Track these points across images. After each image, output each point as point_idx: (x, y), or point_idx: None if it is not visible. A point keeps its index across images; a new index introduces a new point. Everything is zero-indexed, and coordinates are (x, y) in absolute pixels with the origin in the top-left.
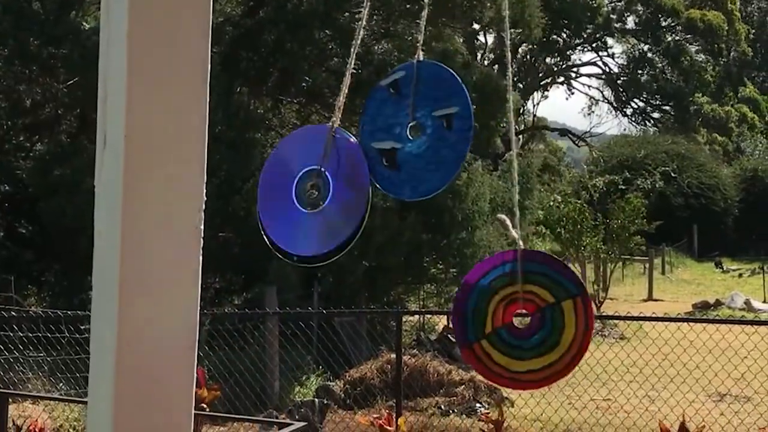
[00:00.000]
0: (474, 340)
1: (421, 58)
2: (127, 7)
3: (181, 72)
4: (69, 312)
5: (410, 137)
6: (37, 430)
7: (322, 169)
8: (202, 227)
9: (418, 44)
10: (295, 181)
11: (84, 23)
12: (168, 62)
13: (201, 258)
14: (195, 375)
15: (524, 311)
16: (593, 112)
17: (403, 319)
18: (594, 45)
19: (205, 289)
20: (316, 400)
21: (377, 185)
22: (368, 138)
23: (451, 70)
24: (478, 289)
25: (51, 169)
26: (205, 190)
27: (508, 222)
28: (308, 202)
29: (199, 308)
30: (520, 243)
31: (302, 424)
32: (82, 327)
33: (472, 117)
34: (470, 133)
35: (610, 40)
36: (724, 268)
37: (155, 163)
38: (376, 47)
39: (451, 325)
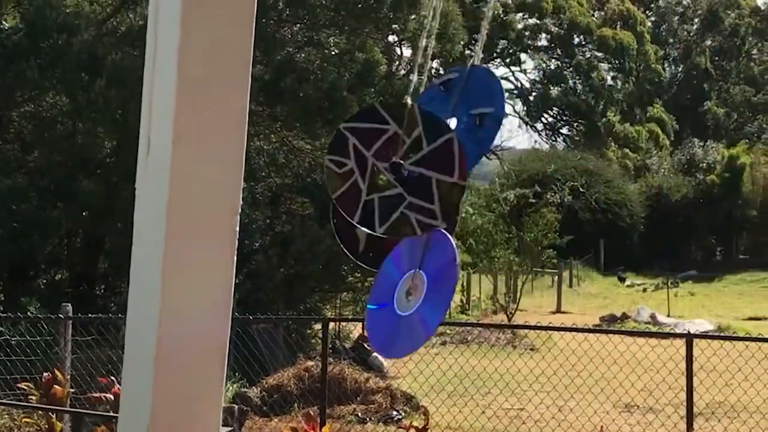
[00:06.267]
0: None
1: (477, 63)
2: (179, 15)
3: (225, 81)
4: None
5: None
6: None
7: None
8: (237, 229)
9: (473, 55)
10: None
11: (3, 22)
12: (213, 72)
13: (235, 259)
14: (225, 370)
15: None
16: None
17: (320, 327)
18: (507, 60)
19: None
20: (235, 406)
21: None
22: None
23: (498, 79)
24: None
25: None
26: (241, 195)
27: None
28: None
29: (231, 307)
30: None
31: (228, 429)
32: None
33: (501, 122)
34: (495, 134)
35: (522, 56)
36: (627, 282)
37: (199, 168)
38: (298, 55)
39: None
